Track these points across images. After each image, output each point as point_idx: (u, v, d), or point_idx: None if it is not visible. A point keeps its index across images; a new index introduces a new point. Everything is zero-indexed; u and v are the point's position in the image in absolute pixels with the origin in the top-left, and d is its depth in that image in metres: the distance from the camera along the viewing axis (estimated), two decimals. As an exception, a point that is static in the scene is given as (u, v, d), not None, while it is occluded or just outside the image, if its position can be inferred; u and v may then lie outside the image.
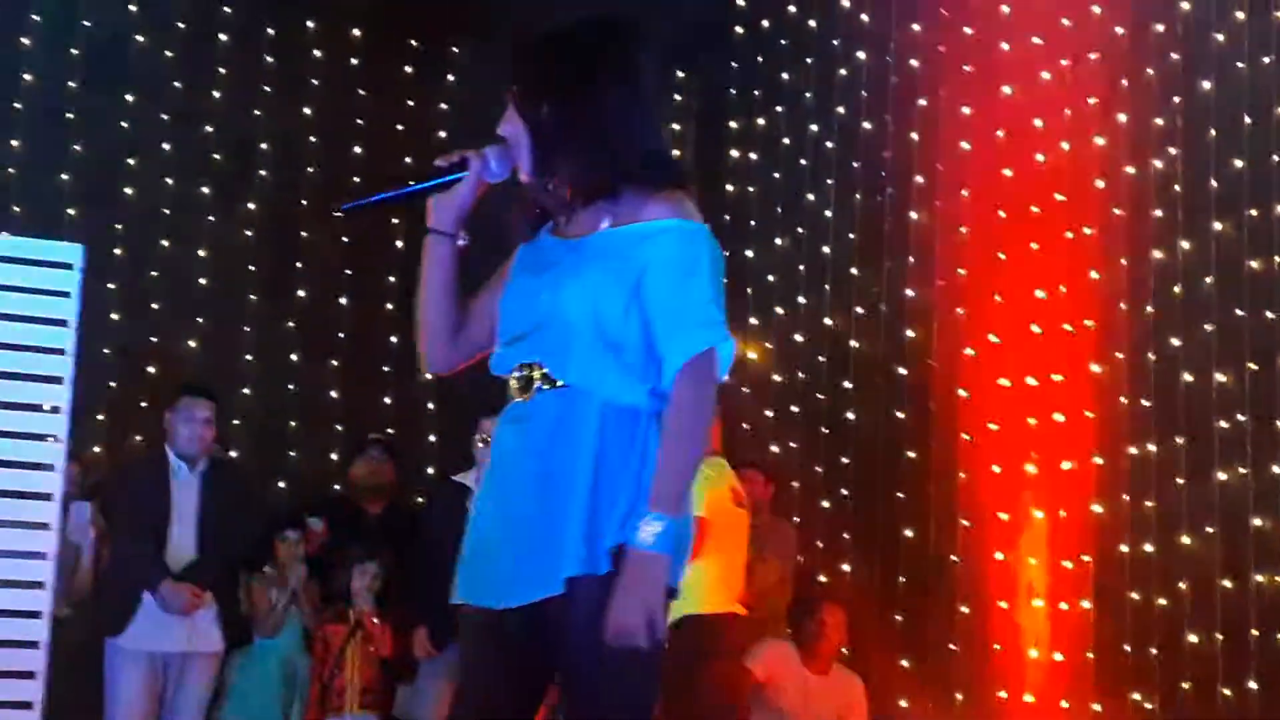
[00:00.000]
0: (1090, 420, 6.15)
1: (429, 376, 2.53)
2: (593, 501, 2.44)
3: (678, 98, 9.18)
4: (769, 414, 7.91)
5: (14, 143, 7.76)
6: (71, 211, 7.74)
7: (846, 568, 7.25)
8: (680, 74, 9.17)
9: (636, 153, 2.55)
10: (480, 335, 2.70)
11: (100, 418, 7.54)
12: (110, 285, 7.60)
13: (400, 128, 8.50)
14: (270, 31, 8.42)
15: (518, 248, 2.70)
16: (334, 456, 8.04)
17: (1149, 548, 5.89)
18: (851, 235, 7.52)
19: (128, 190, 8.00)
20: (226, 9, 8.36)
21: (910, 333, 7.02)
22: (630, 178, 2.54)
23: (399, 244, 8.23)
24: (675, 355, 2.46)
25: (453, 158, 2.60)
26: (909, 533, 6.88)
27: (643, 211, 2.51)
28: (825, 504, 7.40)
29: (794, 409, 7.77)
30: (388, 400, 8.34)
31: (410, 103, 8.65)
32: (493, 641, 2.53)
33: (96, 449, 7.31)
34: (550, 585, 2.42)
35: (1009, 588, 6.41)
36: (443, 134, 8.46)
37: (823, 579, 7.32)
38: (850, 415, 7.35)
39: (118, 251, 7.84)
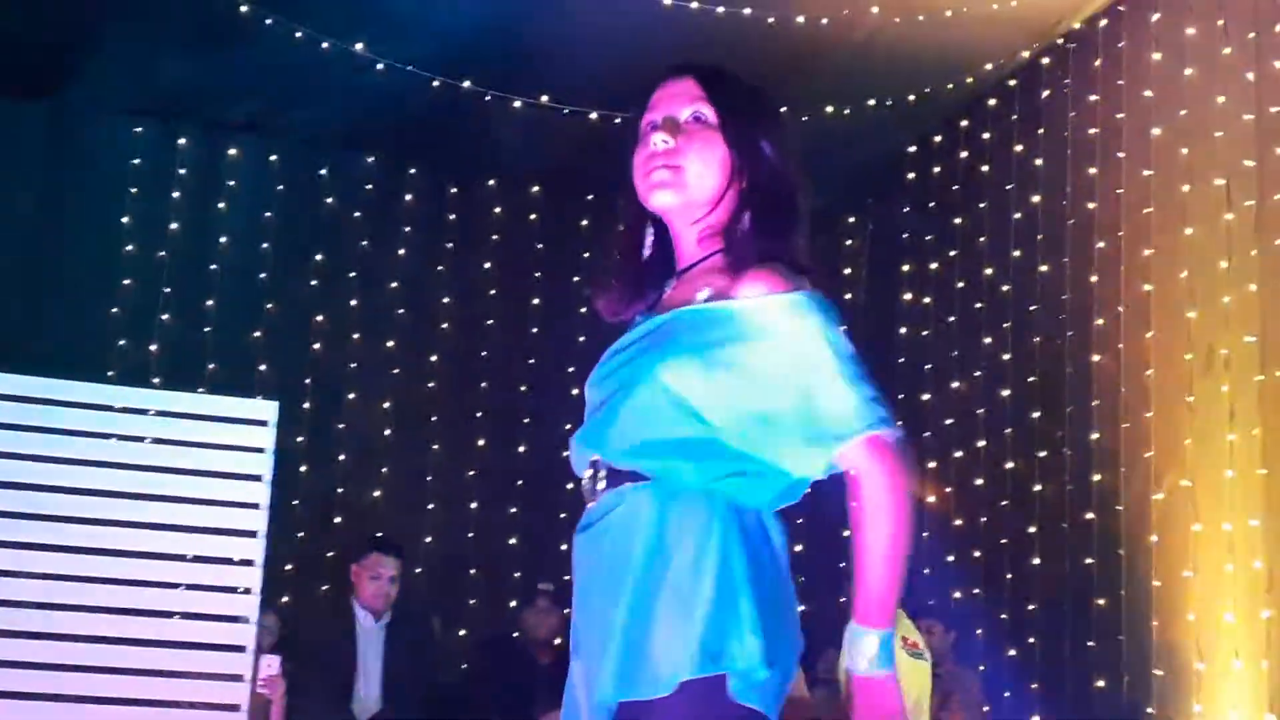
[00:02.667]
0: (1291, 567, 5.94)
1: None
2: (645, 611, 2.10)
3: (848, 242, 9.22)
4: (950, 559, 7.78)
5: (209, 302, 8.09)
6: (263, 368, 8.01)
7: (1036, 719, 7.05)
8: (851, 219, 9.22)
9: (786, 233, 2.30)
10: None
11: (288, 568, 7.70)
12: (299, 439, 7.82)
13: (576, 279, 8.67)
14: (453, 190, 8.69)
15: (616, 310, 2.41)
16: (513, 604, 8.10)
17: (1357, 701, 5.63)
18: (1031, 378, 7.42)
19: (316, 346, 8.26)
20: (412, 170, 8.66)
21: (1096, 477, 6.87)
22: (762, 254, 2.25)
23: (574, 391, 8.34)
24: (836, 437, 2.14)
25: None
26: (1100, 683, 6.67)
27: (738, 285, 2.21)
28: (1012, 652, 7.22)
29: (976, 554, 7.64)
30: (564, 547, 8.40)
31: (585, 254, 8.82)
32: None
33: (285, 599, 7.46)
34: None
35: (1208, 742, 6.16)
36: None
37: (1010, 731, 7.12)
38: (1035, 561, 7.19)
39: (306, 405, 8.07)
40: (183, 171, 8.28)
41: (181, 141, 8.34)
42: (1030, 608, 7.17)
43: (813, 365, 2.16)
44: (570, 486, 8.62)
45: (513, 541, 8.44)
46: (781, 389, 2.16)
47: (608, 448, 2.23)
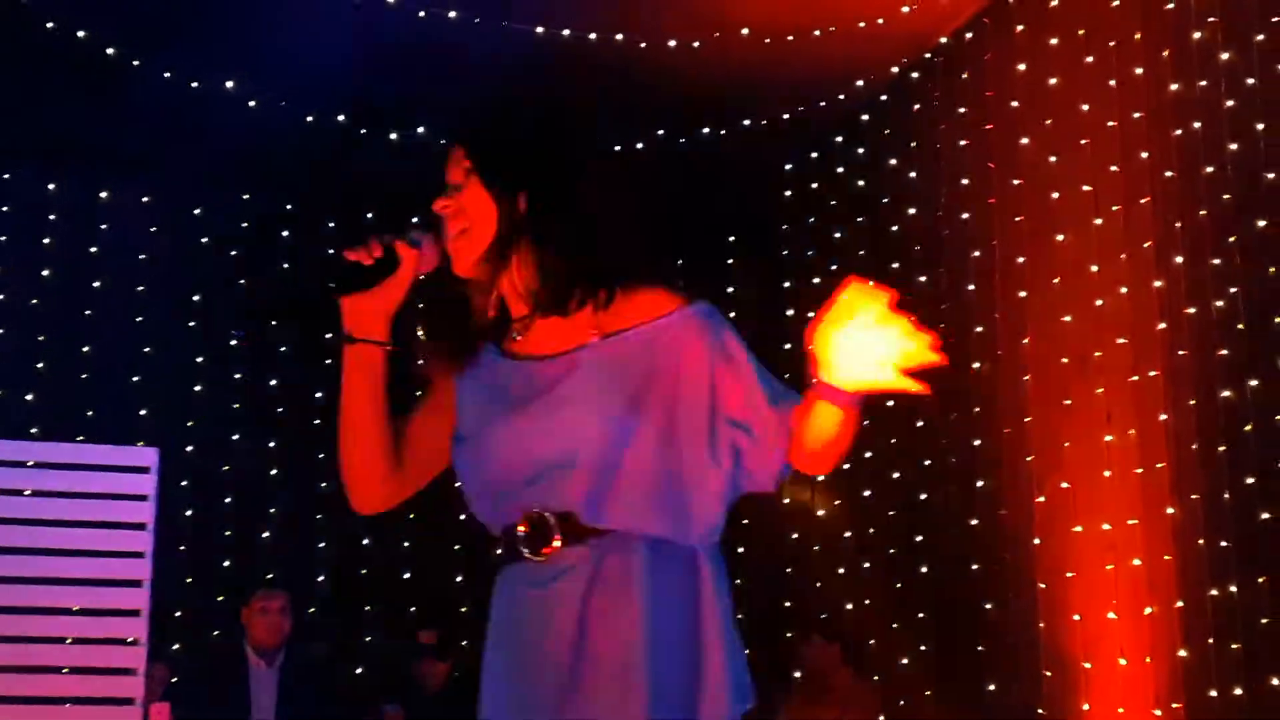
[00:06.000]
0: (1169, 563, 6.06)
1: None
2: (652, 670, 2.07)
3: (731, 260, 9.29)
4: (840, 571, 7.85)
5: (85, 349, 7.95)
6: (143, 412, 7.89)
7: (932, 725, 7.14)
8: (732, 238, 9.29)
9: (621, 253, 2.27)
10: (422, 469, 2.36)
11: (177, 614, 7.59)
12: (183, 483, 7.72)
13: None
14: (331, 224, 8.62)
15: (454, 367, 2.33)
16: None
17: (1239, 691, 5.76)
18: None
19: (197, 388, 8.16)
20: (289, 206, 8.59)
21: (980, 483, 6.98)
22: (612, 281, 2.23)
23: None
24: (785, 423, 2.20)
25: (374, 250, 2.27)
26: (992, 686, 6.77)
27: (630, 312, 2.21)
28: (905, 660, 7.30)
29: (865, 565, 7.72)
30: (460, 579, 8.36)
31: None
32: None
33: (175, 647, 7.36)
34: None
35: (1100, 739, 6.28)
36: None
37: (908, 737, 7.20)
38: (924, 569, 7.29)
39: (189, 448, 7.96)
40: (54, 216, 8.15)
41: (52, 186, 8.21)
42: (920, 615, 7.26)
43: (743, 371, 2.23)
44: (464, 518, 8.61)
45: (407, 576, 8.38)
46: (722, 405, 2.20)
47: (563, 505, 2.16)
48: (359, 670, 8.11)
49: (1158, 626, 6.00)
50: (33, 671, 5.12)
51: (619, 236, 2.28)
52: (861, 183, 8.09)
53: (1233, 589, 5.77)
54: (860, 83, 7.73)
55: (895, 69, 7.70)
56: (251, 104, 7.15)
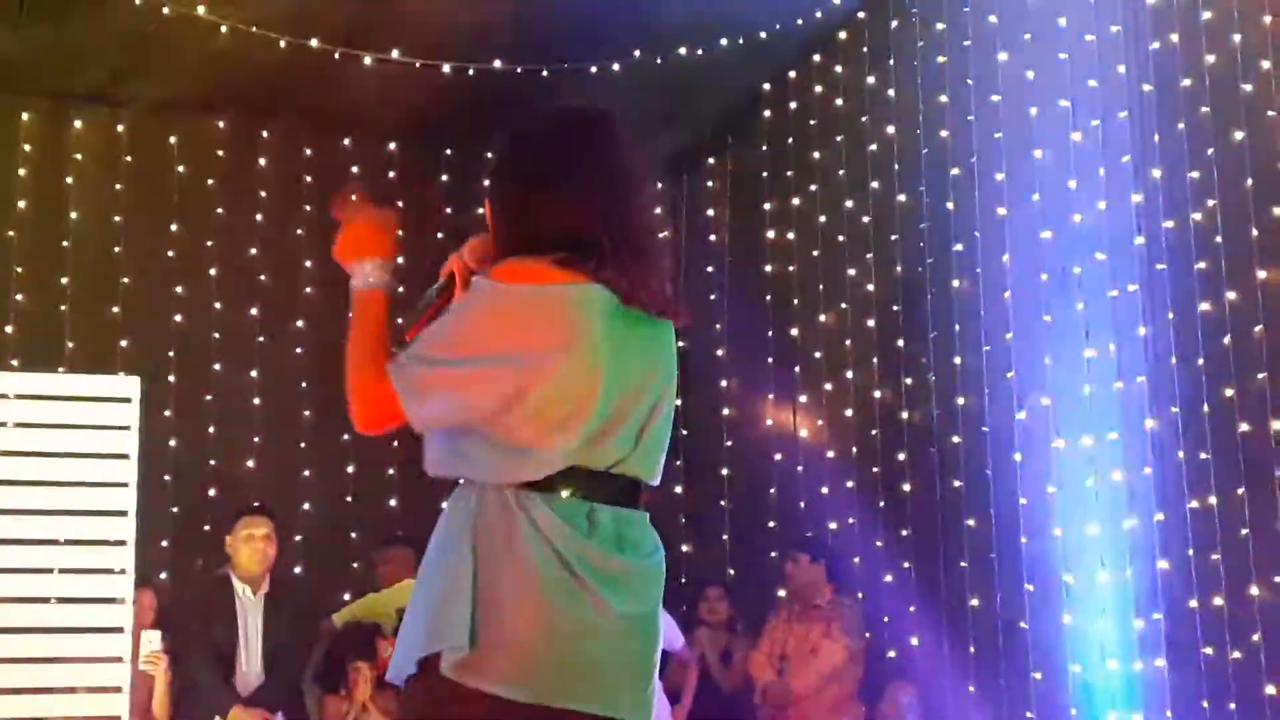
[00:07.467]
0: (1149, 476, 6.12)
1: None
2: (414, 601, 2.36)
3: (710, 183, 9.26)
4: (824, 490, 7.90)
5: (64, 280, 7.92)
6: (124, 343, 7.87)
7: (915, 641, 7.20)
8: (711, 160, 9.25)
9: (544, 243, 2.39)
10: None
11: (164, 545, 7.62)
12: (166, 413, 7.71)
13: (440, 235, 8.59)
14: (308, 151, 8.56)
15: None
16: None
17: (1219, 601, 5.83)
18: (895, 307, 7.54)
19: (178, 318, 8.14)
20: (265, 133, 8.52)
21: (961, 400, 7.01)
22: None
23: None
24: None
25: (445, 271, 2.60)
26: (975, 602, 6.83)
27: None
28: (888, 578, 7.37)
29: (849, 484, 7.76)
30: (444, 505, 8.38)
31: (448, 210, 8.76)
32: None
33: (162, 576, 7.38)
34: None
35: (1081, 651, 6.35)
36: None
37: (892, 654, 7.27)
38: (906, 487, 7.33)
39: (171, 379, 7.95)
40: (28, 147, 8.08)
41: (25, 116, 8.14)
42: (904, 533, 7.32)
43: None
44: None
45: (393, 503, 8.40)
46: None
47: None
48: (345, 597, 8.15)
49: (1138, 539, 6.06)
50: (22, 601, 5.14)
51: (536, 231, 2.43)
52: (840, 102, 8.05)
53: (1212, 501, 5.83)
54: (837, 0, 7.67)
55: (873, -15, 7.64)
56: (224, 29, 7.08)
